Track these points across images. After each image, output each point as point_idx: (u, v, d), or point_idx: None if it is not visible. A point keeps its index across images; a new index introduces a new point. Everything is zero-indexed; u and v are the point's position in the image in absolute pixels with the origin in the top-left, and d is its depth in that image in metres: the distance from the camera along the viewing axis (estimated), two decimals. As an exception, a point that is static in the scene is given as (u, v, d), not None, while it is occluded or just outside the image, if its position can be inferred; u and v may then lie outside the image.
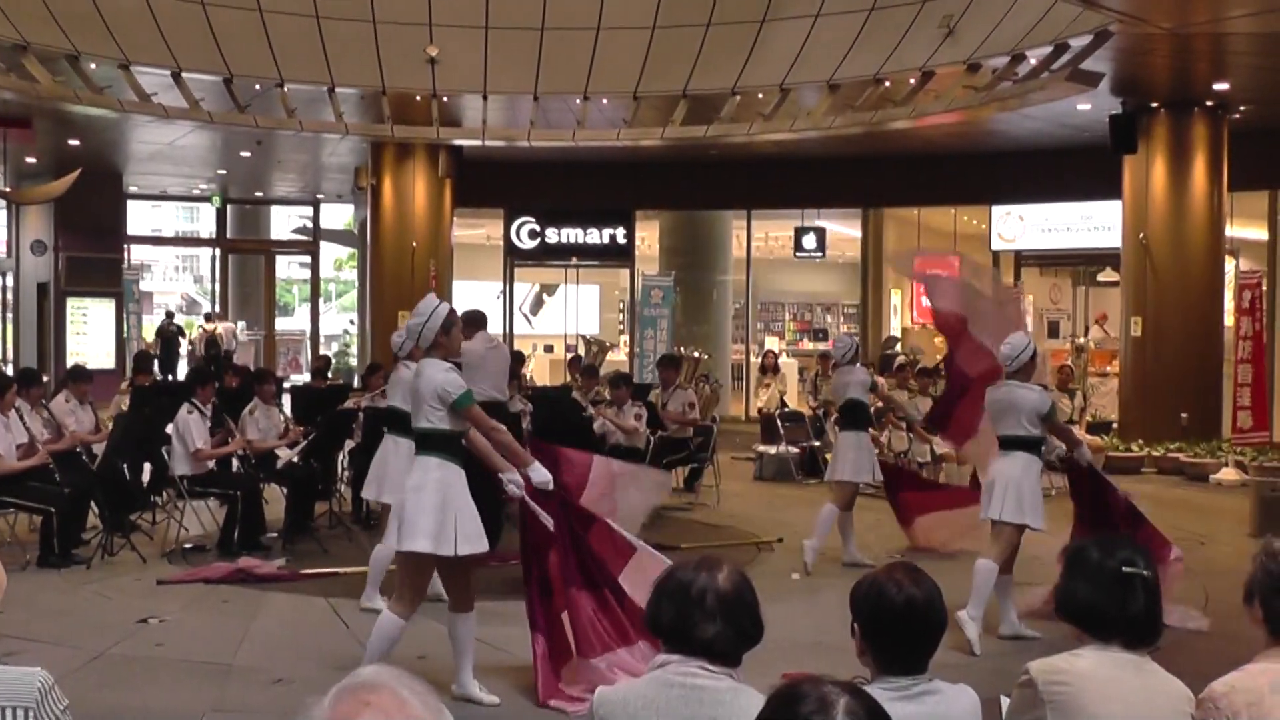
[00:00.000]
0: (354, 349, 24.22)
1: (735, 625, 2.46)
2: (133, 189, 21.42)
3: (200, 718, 5.31)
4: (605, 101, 14.46)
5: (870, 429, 9.00)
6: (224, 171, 20.13)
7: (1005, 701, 2.85)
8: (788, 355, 20.90)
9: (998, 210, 18.21)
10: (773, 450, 13.06)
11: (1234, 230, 15.29)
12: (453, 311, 5.54)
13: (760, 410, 15.83)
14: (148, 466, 9.52)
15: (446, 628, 5.59)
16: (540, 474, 5.41)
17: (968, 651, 6.17)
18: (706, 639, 2.45)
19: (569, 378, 14.03)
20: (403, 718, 1.34)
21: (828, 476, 8.91)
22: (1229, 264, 15.16)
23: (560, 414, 8.13)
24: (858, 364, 8.66)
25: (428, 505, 5.22)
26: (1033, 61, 12.18)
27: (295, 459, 9.37)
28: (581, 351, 16.45)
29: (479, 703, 5.40)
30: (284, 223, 24.88)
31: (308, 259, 24.20)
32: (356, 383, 14.27)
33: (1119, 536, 2.91)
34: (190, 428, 8.61)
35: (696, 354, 17.42)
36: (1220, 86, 13.18)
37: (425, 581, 5.59)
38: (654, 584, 2.59)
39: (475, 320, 9.23)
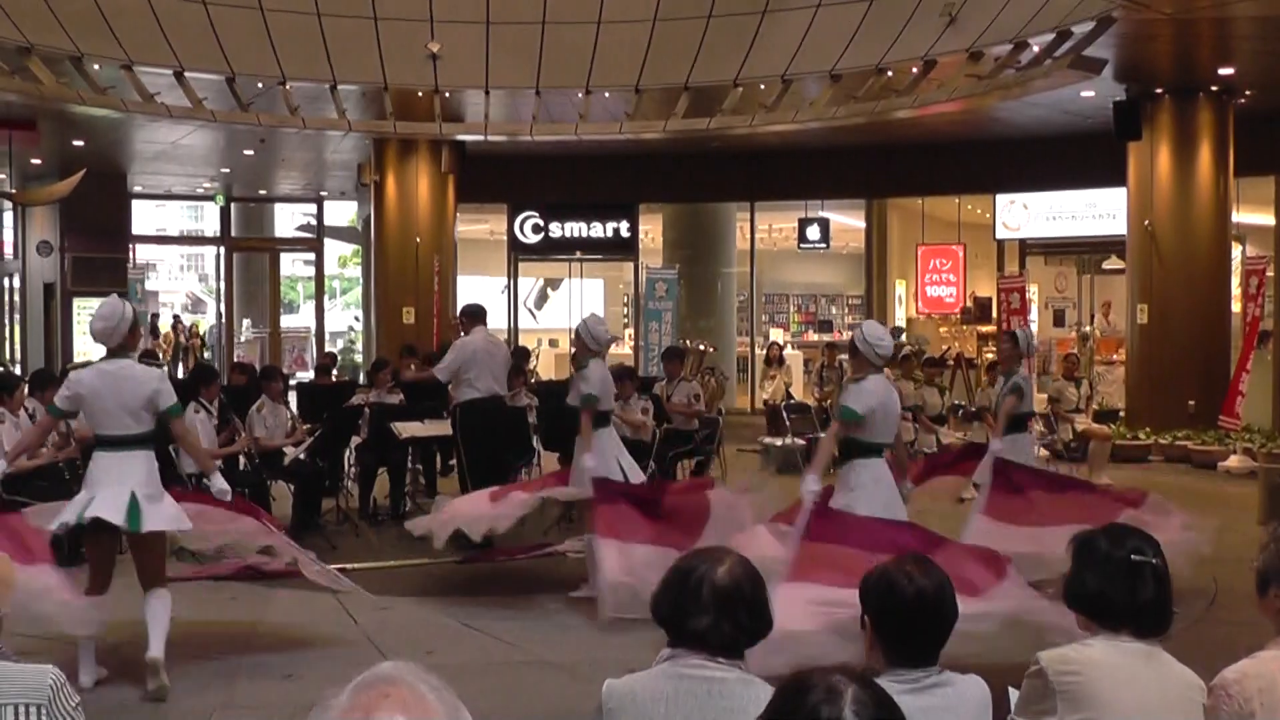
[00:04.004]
0: (359, 345, 24.24)
1: (732, 619, 2.42)
2: (137, 189, 21.44)
3: (210, 715, 5.33)
4: (607, 95, 14.44)
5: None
6: (227, 170, 20.14)
7: (1014, 693, 2.85)
8: (793, 347, 20.88)
9: (1002, 199, 18.17)
10: (779, 442, 13.05)
11: (1240, 216, 15.24)
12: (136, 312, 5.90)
13: (766, 402, 15.83)
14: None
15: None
16: (219, 483, 6.06)
17: None
18: (700, 631, 2.42)
19: (574, 372, 14.01)
20: (420, 712, 1.34)
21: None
22: (1235, 250, 15.11)
23: (565, 409, 8.16)
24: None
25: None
26: (1035, 49, 12.14)
27: (302, 456, 9.39)
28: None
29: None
30: (288, 220, 24.88)
31: (312, 256, 24.21)
32: (362, 379, 14.28)
33: (1126, 526, 2.89)
34: (196, 427, 8.61)
35: (702, 346, 17.43)
36: (1225, 71, 13.13)
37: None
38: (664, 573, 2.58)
39: (474, 314, 9.21)
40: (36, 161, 18.07)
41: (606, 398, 7.65)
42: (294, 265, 27.13)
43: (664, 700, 2.40)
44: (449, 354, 8.95)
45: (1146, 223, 14.14)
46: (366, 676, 1.38)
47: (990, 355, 15.47)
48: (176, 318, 24.27)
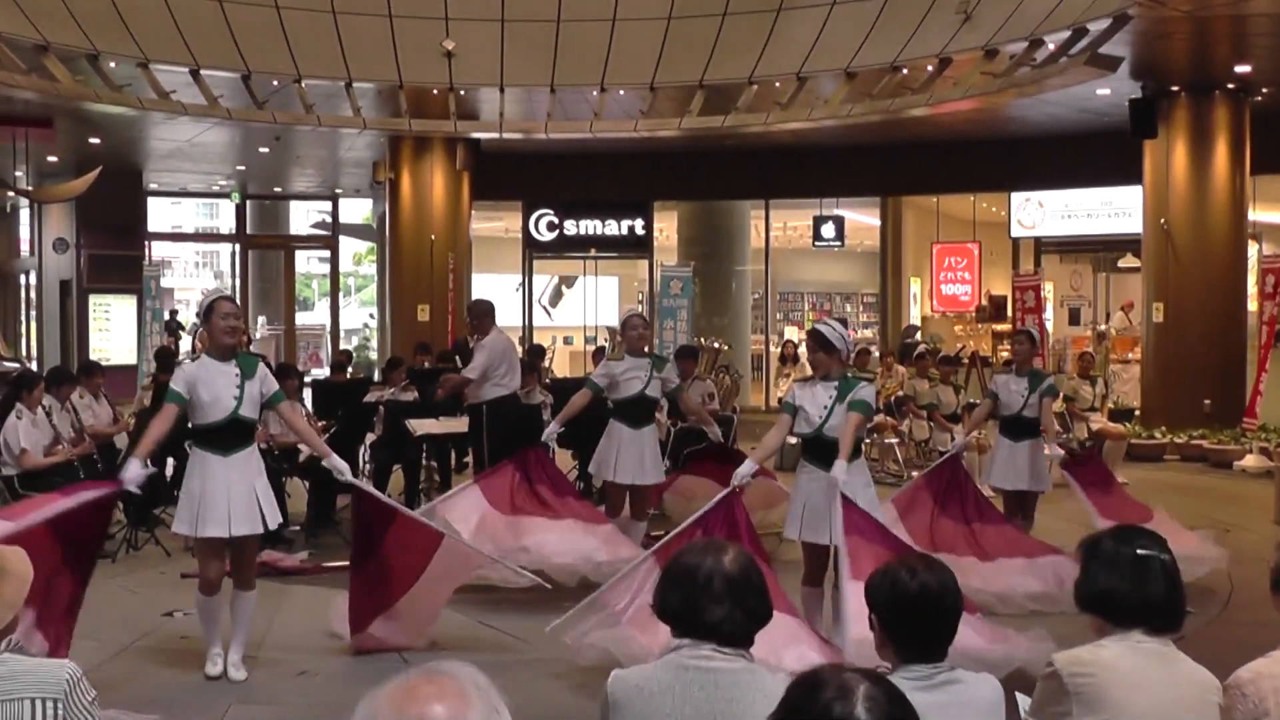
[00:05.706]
0: (374, 343, 24.30)
1: (743, 607, 2.46)
2: (153, 186, 21.54)
3: (225, 710, 5.35)
4: (622, 93, 14.44)
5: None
6: (243, 167, 20.22)
7: (1021, 698, 2.85)
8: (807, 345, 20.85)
9: (1017, 197, 18.12)
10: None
11: (1257, 214, 15.17)
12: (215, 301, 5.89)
13: (780, 400, 15.82)
14: (171, 461, 9.56)
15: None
16: (337, 462, 5.94)
17: None
18: (714, 622, 2.44)
19: (590, 369, 14.03)
20: (456, 703, 1.41)
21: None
22: (1252, 248, 15.04)
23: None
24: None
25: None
26: (1051, 46, 12.09)
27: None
28: (604, 343, 16.45)
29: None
30: (303, 218, 24.97)
31: (327, 254, 24.29)
32: (377, 376, 14.30)
33: (1132, 526, 2.89)
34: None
35: (717, 344, 17.41)
36: (1241, 69, 13.06)
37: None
38: (661, 570, 2.60)
39: (488, 311, 9.15)
40: (53, 159, 18.17)
41: (614, 389, 7.69)
42: (309, 262, 27.21)
43: (671, 692, 2.41)
44: (479, 355, 8.87)
45: (1162, 221, 14.08)
46: (426, 665, 1.47)
47: (1005, 353, 15.43)
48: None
